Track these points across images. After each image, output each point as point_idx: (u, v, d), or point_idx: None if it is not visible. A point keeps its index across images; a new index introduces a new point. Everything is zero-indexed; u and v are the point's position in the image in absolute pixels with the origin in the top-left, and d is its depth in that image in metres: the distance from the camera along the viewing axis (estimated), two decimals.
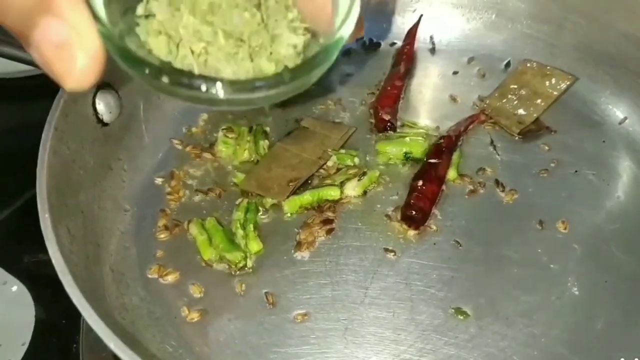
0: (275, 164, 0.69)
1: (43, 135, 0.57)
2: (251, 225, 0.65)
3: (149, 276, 0.63)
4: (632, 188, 0.70)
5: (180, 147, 0.73)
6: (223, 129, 0.73)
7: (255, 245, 0.64)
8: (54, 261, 0.51)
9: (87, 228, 0.60)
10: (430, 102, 0.78)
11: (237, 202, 0.68)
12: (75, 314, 0.65)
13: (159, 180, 0.70)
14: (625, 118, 0.75)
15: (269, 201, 0.68)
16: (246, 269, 0.63)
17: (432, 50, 0.83)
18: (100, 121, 0.64)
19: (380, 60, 0.81)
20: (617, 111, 0.76)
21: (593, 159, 0.72)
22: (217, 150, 0.72)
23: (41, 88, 0.81)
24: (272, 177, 0.68)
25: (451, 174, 0.70)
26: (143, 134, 0.71)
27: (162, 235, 0.66)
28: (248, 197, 0.68)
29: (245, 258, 0.64)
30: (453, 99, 0.78)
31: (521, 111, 0.75)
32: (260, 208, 0.67)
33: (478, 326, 0.60)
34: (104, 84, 0.64)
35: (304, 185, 0.69)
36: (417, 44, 0.81)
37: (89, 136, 0.63)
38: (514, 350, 0.58)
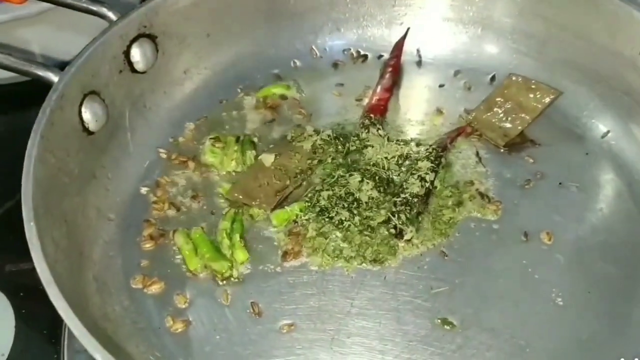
0: (262, 174, 0.69)
1: (29, 144, 0.57)
2: (237, 235, 0.65)
3: (133, 286, 0.62)
4: (615, 200, 0.71)
5: (166, 156, 0.72)
6: (210, 139, 0.73)
7: (241, 255, 0.64)
8: (38, 270, 0.51)
9: (71, 237, 0.59)
10: (417, 114, 0.79)
11: (223, 212, 0.68)
12: (56, 324, 0.65)
13: (144, 190, 0.70)
14: (608, 132, 0.76)
15: (257, 211, 0.68)
16: (232, 278, 0.63)
17: (419, 63, 0.84)
18: (86, 130, 0.64)
19: (367, 73, 0.82)
20: (600, 125, 0.77)
21: (576, 172, 0.73)
22: (204, 159, 0.72)
23: (23, 96, 0.81)
24: (259, 186, 0.68)
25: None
26: (128, 143, 0.70)
27: (147, 245, 0.65)
28: (235, 207, 0.68)
29: (231, 268, 0.63)
30: (439, 111, 0.78)
31: (506, 124, 0.76)
32: (248, 218, 0.67)
33: (464, 337, 0.60)
34: (90, 92, 0.64)
35: (290, 195, 0.69)
36: (404, 57, 0.82)
37: (75, 145, 0.63)
38: None
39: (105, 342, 0.47)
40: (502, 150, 0.75)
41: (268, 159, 0.70)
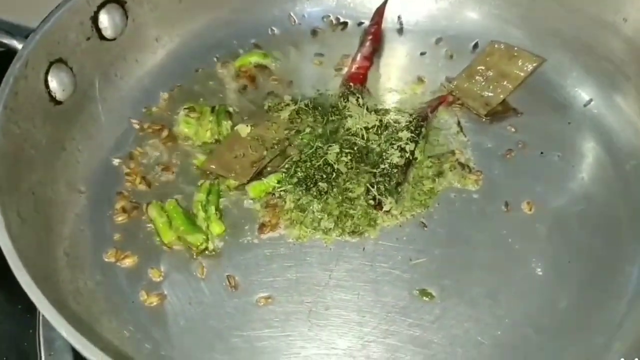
0: (238, 145, 0.68)
1: None
2: (213, 207, 0.64)
3: (106, 260, 0.61)
4: (596, 169, 0.70)
5: (138, 127, 0.70)
6: (185, 109, 0.71)
7: (217, 228, 0.63)
8: (2, 245, 0.49)
9: (39, 211, 0.58)
10: (397, 82, 0.77)
11: (198, 184, 0.66)
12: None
13: (116, 162, 0.68)
14: (591, 100, 0.75)
15: (233, 183, 0.66)
16: (207, 251, 0.62)
17: (400, 31, 0.81)
18: (53, 99, 0.62)
19: (347, 40, 0.80)
20: (583, 93, 0.76)
21: (558, 141, 0.72)
22: (178, 130, 0.70)
23: None
24: (235, 158, 0.67)
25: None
26: (99, 113, 0.68)
27: (119, 218, 0.64)
28: (210, 179, 0.66)
29: (206, 240, 0.62)
30: (420, 79, 0.77)
31: (488, 92, 0.75)
32: (224, 189, 0.66)
33: (443, 307, 0.59)
34: (56, 59, 0.61)
35: (267, 166, 0.67)
36: (384, 24, 0.80)
37: (41, 115, 0.61)
38: (478, 330, 0.58)
39: (73, 318, 0.46)
40: (483, 119, 0.73)
41: (244, 129, 0.68)
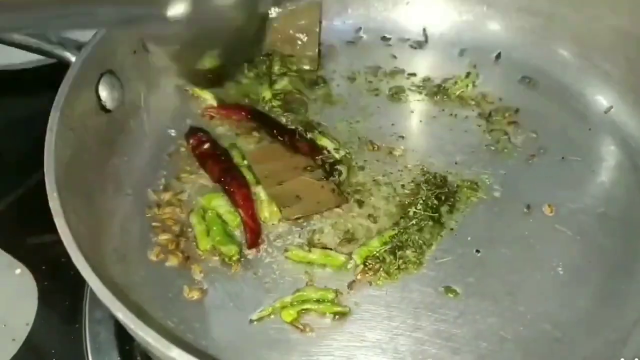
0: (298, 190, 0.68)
1: (50, 120, 0.59)
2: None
3: (152, 258, 0.65)
4: (616, 173, 0.73)
5: (174, 134, 0.74)
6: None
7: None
8: (62, 237, 0.52)
9: (91, 211, 0.62)
10: None
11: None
12: (78, 296, 0.68)
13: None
14: (611, 107, 0.78)
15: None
16: (241, 261, 0.65)
17: (425, 43, 0.85)
18: (103, 107, 0.66)
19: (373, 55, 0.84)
20: (604, 100, 0.78)
21: (579, 147, 0.75)
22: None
23: (39, 81, 0.83)
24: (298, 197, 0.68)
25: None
26: (144, 122, 0.73)
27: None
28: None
29: (239, 252, 0.65)
30: None
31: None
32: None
33: (466, 304, 0.62)
34: (106, 71, 0.66)
35: None
36: (410, 36, 0.84)
37: (93, 122, 0.65)
38: (500, 325, 0.61)
39: (126, 304, 0.50)
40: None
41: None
